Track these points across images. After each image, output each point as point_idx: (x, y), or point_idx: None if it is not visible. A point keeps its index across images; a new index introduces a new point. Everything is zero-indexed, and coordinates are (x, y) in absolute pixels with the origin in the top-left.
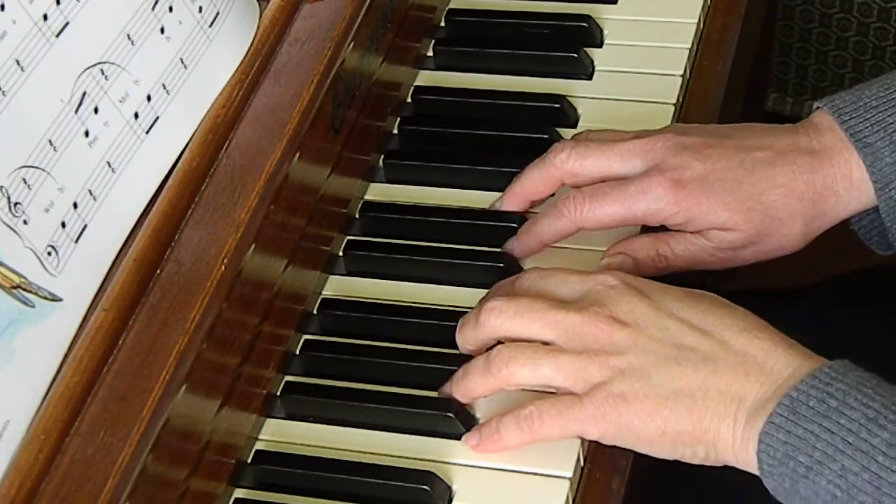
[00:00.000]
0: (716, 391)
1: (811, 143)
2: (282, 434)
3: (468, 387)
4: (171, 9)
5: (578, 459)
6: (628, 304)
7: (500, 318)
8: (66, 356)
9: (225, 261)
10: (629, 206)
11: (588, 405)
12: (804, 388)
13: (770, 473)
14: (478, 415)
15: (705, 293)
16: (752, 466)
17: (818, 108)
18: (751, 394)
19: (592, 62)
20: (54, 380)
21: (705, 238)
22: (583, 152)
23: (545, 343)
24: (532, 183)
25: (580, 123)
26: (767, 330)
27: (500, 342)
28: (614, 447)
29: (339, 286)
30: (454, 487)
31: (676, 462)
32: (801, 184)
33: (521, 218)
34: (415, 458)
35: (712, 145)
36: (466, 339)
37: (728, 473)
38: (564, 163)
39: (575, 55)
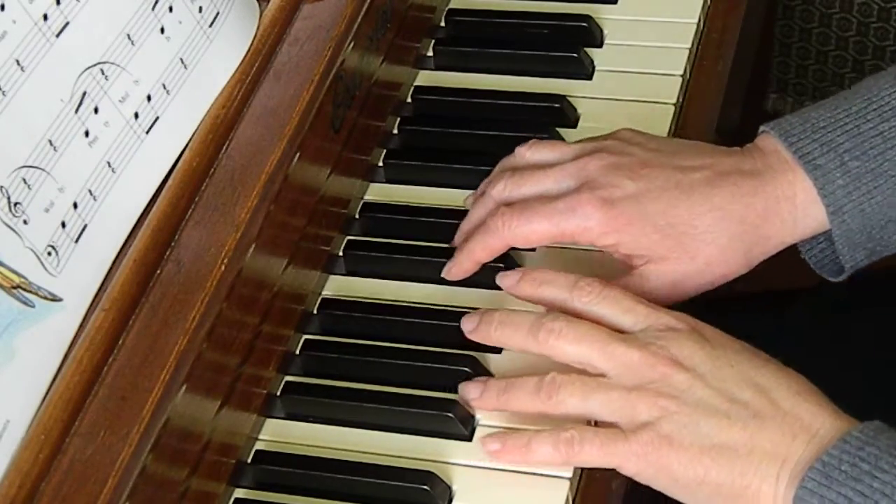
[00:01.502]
0: (760, 450)
1: (755, 165)
2: (282, 434)
3: (511, 398)
4: (171, 9)
5: None
6: (689, 349)
7: (559, 340)
8: (66, 356)
9: (225, 261)
10: (557, 223)
11: (633, 442)
12: (836, 452)
13: None
14: (477, 415)
15: (763, 353)
16: None
17: (763, 131)
18: (795, 455)
19: (592, 62)
20: (54, 380)
21: (639, 277)
22: (518, 182)
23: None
24: (477, 218)
25: (580, 123)
26: (816, 395)
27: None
28: None
29: (339, 286)
30: (454, 487)
31: None
32: (741, 206)
33: None
34: (415, 458)
35: (649, 164)
36: (511, 340)
37: None
38: (501, 193)
39: (575, 55)
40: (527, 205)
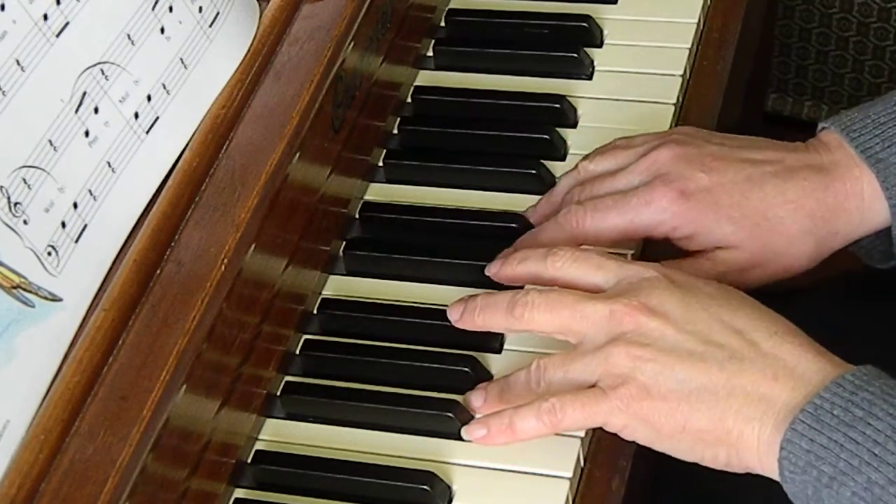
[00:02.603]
0: (741, 391)
1: (822, 160)
2: (282, 434)
3: (489, 314)
4: (171, 9)
5: (578, 459)
6: (660, 296)
7: (533, 311)
8: (66, 356)
9: (225, 261)
10: (632, 218)
11: (612, 397)
12: (828, 395)
13: (791, 480)
14: (478, 416)
15: (738, 291)
16: (774, 473)
17: (824, 127)
18: (780, 398)
19: (592, 62)
20: (54, 380)
21: (711, 262)
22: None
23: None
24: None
25: (580, 123)
26: (797, 334)
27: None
28: (616, 447)
29: (339, 286)
30: (454, 487)
31: (675, 462)
32: (812, 201)
33: (520, 218)
34: (415, 458)
35: (719, 157)
36: (492, 322)
37: (726, 475)
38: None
39: (575, 55)
40: (599, 200)
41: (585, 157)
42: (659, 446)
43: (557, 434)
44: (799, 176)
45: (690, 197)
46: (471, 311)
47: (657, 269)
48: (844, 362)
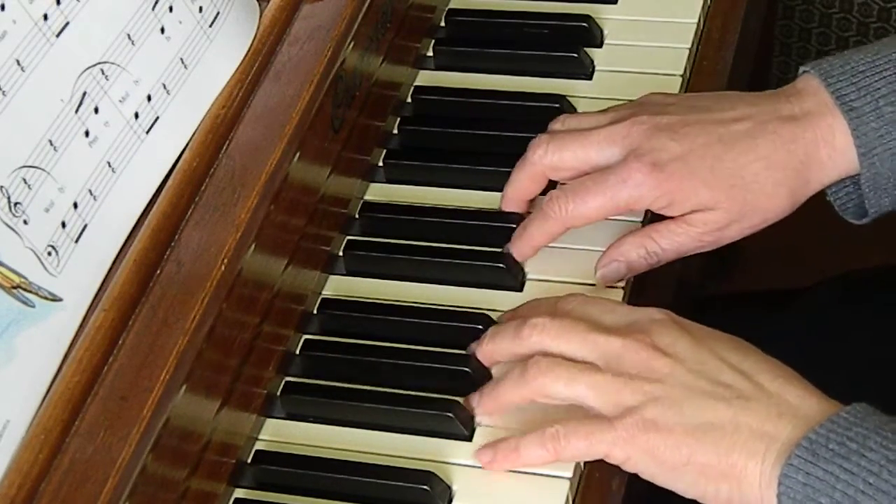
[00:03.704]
0: (746, 428)
1: (793, 109)
2: (282, 434)
3: (500, 393)
4: (171, 9)
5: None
6: (670, 337)
7: (541, 334)
8: (66, 356)
9: (225, 261)
10: (611, 196)
11: (619, 428)
12: (824, 431)
13: None
14: (477, 416)
15: (745, 342)
16: None
17: (805, 71)
18: (782, 435)
19: (592, 62)
20: (54, 380)
21: (689, 224)
22: (559, 145)
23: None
24: (520, 184)
25: None
26: (802, 381)
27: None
28: None
29: (339, 286)
30: (454, 487)
31: None
32: (784, 154)
33: (519, 218)
34: (415, 458)
35: (689, 122)
36: (500, 348)
37: None
38: (543, 158)
39: (575, 55)
40: (578, 184)
41: (556, 119)
42: (661, 480)
43: None
44: (769, 129)
45: (664, 168)
46: (482, 343)
47: (667, 314)
48: (842, 405)
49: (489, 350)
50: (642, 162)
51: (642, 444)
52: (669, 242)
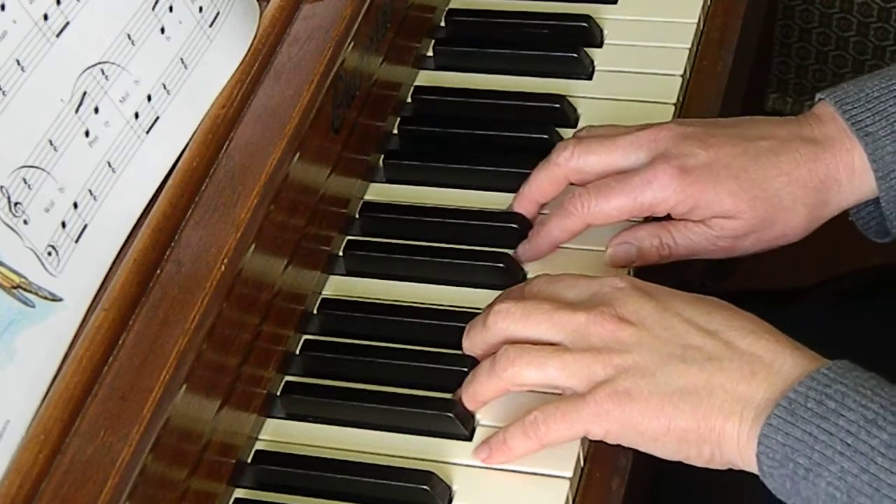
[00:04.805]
0: (721, 390)
1: (813, 132)
2: (282, 434)
3: (476, 390)
4: (171, 9)
5: (578, 459)
6: (634, 304)
7: (506, 320)
8: (66, 356)
9: (225, 261)
10: (635, 196)
11: (592, 403)
12: (802, 389)
13: (770, 475)
14: (478, 416)
15: (712, 298)
16: (755, 467)
17: (820, 99)
18: (758, 394)
19: (592, 62)
20: (54, 380)
21: (707, 226)
22: (586, 149)
23: (552, 345)
24: (539, 185)
25: (580, 123)
26: (773, 333)
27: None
28: (615, 447)
29: (339, 286)
30: (454, 487)
31: (676, 462)
32: (805, 172)
33: (520, 218)
34: (415, 458)
35: (715, 134)
36: (474, 342)
37: (726, 475)
38: (568, 161)
39: (575, 55)
40: (603, 183)
41: (582, 128)
42: (643, 448)
43: None
44: (791, 148)
45: (691, 173)
46: (465, 338)
47: (627, 279)
48: (821, 357)
49: (467, 346)
50: (670, 165)
51: (618, 417)
52: (684, 239)
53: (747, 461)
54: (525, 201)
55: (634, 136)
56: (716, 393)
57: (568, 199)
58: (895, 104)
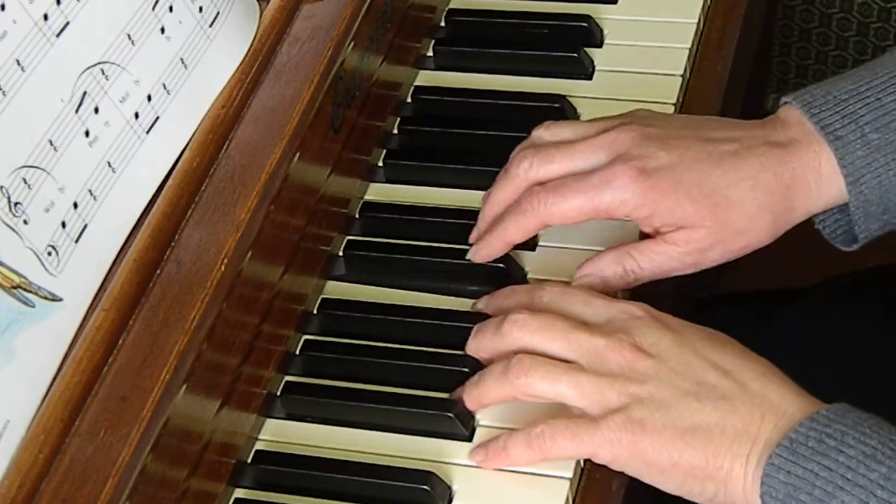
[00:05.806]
0: (732, 430)
1: (779, 136)
2: (282, 434)
3: (482, 392)
4: (171, 9)
5: (578, 460)
6: (653, 336)
7: (521, 331)
8: (66, 356)
9: (225, 261)
10: (593, 196)
11: (605, 429)
12: (803, 429)
13: None
14: (477, 416)
15: (723, 335)
16: None
17: (786, 102)
18: (764, 435)
19: (592, 62)
20: (54, 380)
21: (669, 243)
22: (545, 158)
23: (566, 361)
24: (504, 197)
25: None
26: (780, 376)
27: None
28: None
29: (339, 287)
30: (454, 487)
31: None
32: (770, 176)
33: None
34: (415, 458)
35: (679, 136)
36: (482, 345)
37: None
38: (528, 172)
39: (575, 55)
40: (561, 182)
41: (538, 126)
42: (647, 479)
43: None
44: (756, 152)
45: (651, 175)
46: (471, 340)
47: (646, 309)
48: (822, 402)
49: (473, 348)
50: (629, 165)
51: (629, 446)
52: (648, 262)
53: (752, 502)
54: (489, 220)
55: (594, 139)
56: (727, 433)
57: (524, 196)
58: (864, 107)
